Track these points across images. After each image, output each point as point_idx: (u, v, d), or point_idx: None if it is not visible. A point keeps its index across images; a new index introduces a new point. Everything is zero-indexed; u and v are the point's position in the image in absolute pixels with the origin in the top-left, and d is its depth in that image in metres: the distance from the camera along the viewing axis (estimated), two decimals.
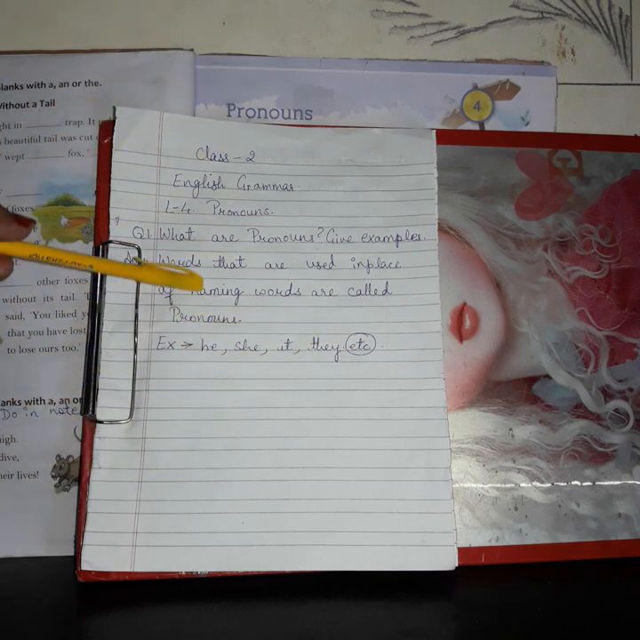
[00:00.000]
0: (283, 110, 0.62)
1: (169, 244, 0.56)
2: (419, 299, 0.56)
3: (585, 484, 0.56)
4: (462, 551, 0.52)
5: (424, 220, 0.57)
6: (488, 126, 0.63)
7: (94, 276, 0.55)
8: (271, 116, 0.62)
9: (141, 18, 0.63)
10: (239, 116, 0.62)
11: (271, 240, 0.56)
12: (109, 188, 0.56)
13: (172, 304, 0.55)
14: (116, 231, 0.55)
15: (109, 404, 0.53)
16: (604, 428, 0.57)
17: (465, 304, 0.57)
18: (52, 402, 0.58)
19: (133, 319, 0.54)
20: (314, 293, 0.56)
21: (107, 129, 0.57)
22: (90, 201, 0.59)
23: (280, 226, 0.57)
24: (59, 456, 0.57)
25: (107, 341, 0.54)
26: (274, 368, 0.54)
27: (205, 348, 0.54)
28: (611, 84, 0.65)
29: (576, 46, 0.65)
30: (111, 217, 0.55)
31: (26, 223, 0.49)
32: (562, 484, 0.55)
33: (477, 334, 0.57)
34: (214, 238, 0.56)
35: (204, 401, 0.53)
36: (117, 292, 0.54)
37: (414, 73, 0.63)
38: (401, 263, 0.56)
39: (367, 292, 0.56)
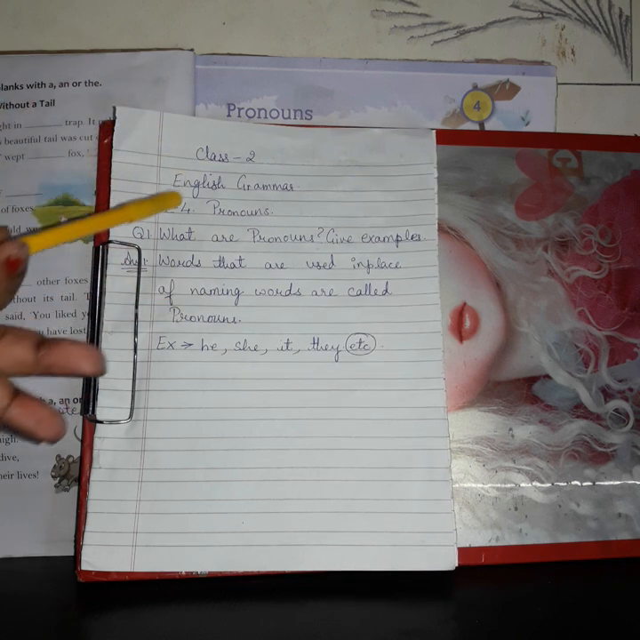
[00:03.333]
0: (283, 110, 0.62)
1: (169, 243, 0.56)
2: (419, 299, 0.56)
3: (585, 484, 0.56)
4: (462, 551, 0.52)
5: (424, 220, 0.57)
6: (488, 126, 0.63)
7: (94, 275, 0.55)
8: (271, 116, 0.62)
9: (141, 18, 0.63)
10: (239, 116, 0.62)
11: (271, 240, 0.56)
12: (109, 187, 0.56)
13: (172, 304, 0.55)
14: (116, 231, 0.55)
15: (109, 404, 0.53)
16: (603, 428, 0.57)
17: (465, 304, 0.57)
18: (51, 402, 0.58)
19: (133, 319, 0.54)
20: (314, 293, 0.56)
21: (107, 129, 0.57)
22: (90, 201, 0.59)
23: (280, 226, 0.57)
24: (59, 456, 0.57)
25: (107, 341, 0.54)
26: (274, 368, 0.54)
27: (205, 347, 0.54)
28: (611, 84, 0.65)
29: (576, 46, 0.65)
30: None
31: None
32: (562, 484, 0.55)
33: (477, 334, 0.57)
34: (214, 238, 0.56)
35: (204, 401, 0.53)
36: (117, 291, 0.54)
37: (414, 73, 0.63)
38: (401, 263, 0.56)
39: (367, 292, 0.56)
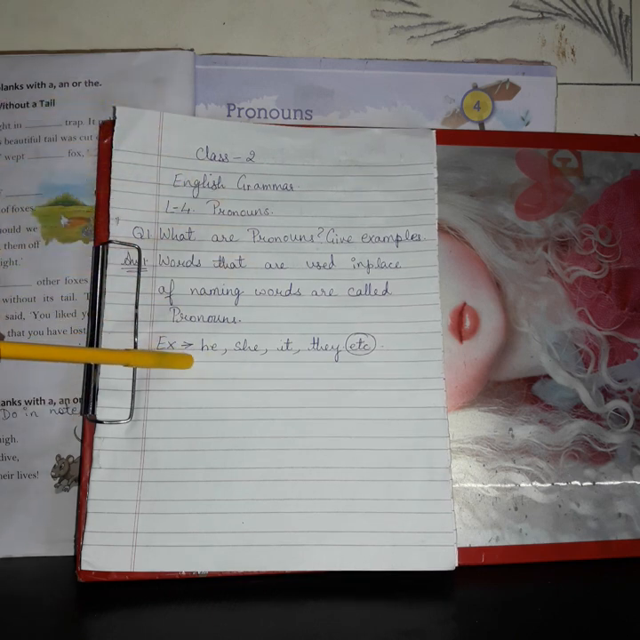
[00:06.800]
0: (283, 110, 0.62)
1: (169, 243, 0.56)
2: (419, 299, 0.56)
3: (585, 484, 0.56)
4: (462, 551, 0.52)
5: (424, 220, 0.57)
6: (488, 126, 0.63)
7: (94, 275, 0.55)
8: (271, 116, 0.62)
9: (141, 18, 0.63)
10: (239, 116, 0.62)
11: (271, 240, 0.56)
12: (109, 187, 0.56)
13: (172, 304, 0.55)
14: (116, 231, 0.55)
15: (109, 404, 0.53)
16: (603, 428, 0.57)
17: (465, 304, 0.57)
18: (51, 402, 0.58)
19: (133, 319, 0.54)
20: (314, 293, 0.56)
21: (107, 129, 0.57)
22: (90, 201, 0.59)
23: (280, 226, 0.57)
24: (59, 456, 0.57)
25: (107, 341, 0.54)
26: (274, 368, 0.54)
27: (205, 347, 0.54)
28: (611, 84, 0.65)
29: (576, 46, 0.65)
30: (111, 217, 0.55)
31: None
32: (562, 484, 0.55)
33: (477, 334, 0.57)
34: (214, 238, 0.56)
35: (204, 401, 0.53)
36: (117, 292, 0.54)
37: (414, 73, 0.63)
38: (401, 263, 0.56)
39: (367, 292, 0.56)
